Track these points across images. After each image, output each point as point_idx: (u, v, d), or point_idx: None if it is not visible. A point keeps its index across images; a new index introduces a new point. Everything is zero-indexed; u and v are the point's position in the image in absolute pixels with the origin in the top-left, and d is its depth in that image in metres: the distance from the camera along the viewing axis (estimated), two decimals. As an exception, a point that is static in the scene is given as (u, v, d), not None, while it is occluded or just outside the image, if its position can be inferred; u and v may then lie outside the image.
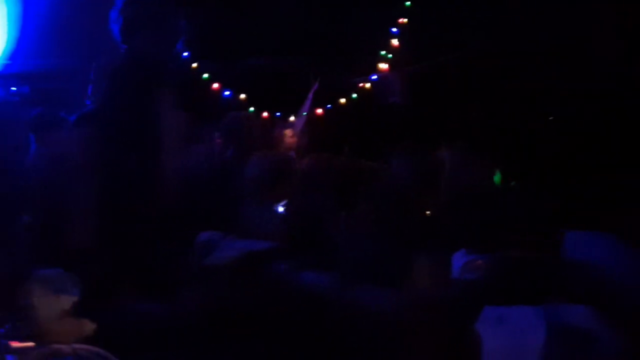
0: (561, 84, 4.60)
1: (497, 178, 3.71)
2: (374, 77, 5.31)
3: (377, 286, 2.54)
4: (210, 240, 3.54)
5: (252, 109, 5.20)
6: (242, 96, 5.15)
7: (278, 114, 5.25)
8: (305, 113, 4.96)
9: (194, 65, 5.00)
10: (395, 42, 5.25)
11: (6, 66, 4.27)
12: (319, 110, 5.19)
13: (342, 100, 5.22)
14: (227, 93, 5.09)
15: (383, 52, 5.29)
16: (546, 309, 2.03)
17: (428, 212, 3.12)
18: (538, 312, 2.02)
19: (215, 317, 2.81)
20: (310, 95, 4.92)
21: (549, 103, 4.69)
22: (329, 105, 5.28)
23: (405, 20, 5.25)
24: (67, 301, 2.50)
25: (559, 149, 4.26)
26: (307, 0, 5.49)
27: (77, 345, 2.18)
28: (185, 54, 4.91)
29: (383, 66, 5.27)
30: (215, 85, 5.06)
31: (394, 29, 5.28)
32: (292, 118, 5.26)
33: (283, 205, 3.69)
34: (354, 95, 5.29)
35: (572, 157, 4.15)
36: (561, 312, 2.05)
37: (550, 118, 4.75)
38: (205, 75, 5.05)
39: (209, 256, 3.28)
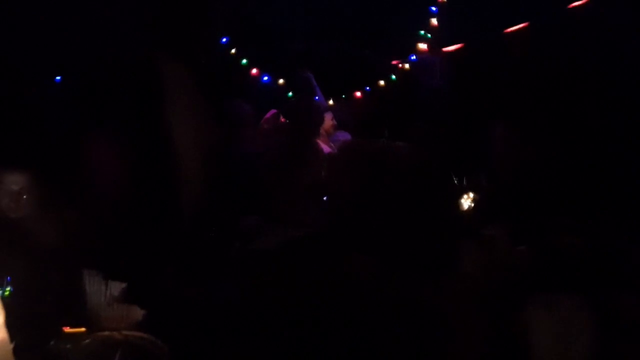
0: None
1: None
2: (413, 57, 5.24)
3: (422, 272, 2.52)
4: (253, 225, 3.58)
5: (290, 93, 5.21)
6: (281, 81, 5.15)
7: (316, 97, 5.23)
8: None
9: (233, 51, 5.02)
10: (434, 21, 5.17)
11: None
12: (358, 93, 5.16)
13: (381, 83, 5.18)
14: (265, 78, 5.09)
15: (422, 32, 5.22)
16: (595, 297, 1.99)
17: (472, 196, 3.08)
18: (587, 300, 1.98)
19: (259, 302, 2.84)
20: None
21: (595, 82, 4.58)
22: (367, 88, 5.24)
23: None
24: (116, 288, 2.56)
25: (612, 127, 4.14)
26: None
27: (127, 332, 2.23)
28: (224, 39, 4.96)
29: (422, 46, 5.20)
30: (254, 71, 5.07)
31: (433, 8, 5.20)
32: (330, 102, 5.24)
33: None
34: (393, 77, 5.23)
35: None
36: (611, 301, 2.01)
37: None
38: (244, 61, 5.07)
39: (253, 241, 3.32)
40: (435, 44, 5.22)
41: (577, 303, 1.96)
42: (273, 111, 4.62)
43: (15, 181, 2.70)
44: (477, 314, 2.14)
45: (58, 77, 4.48)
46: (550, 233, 2.33)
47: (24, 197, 2.70)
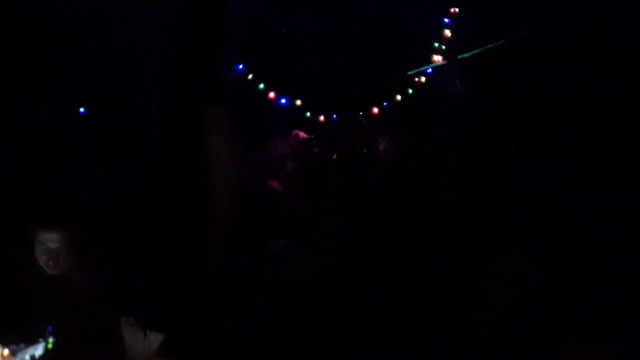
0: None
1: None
2: (429, 70, 5.24)
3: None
4: (283, 249, 3.57)
5: (308, 114, 5.23)
6: (298, 102, 5.17)
7: (334, 116, 5.25)
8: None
9: (250, 76, 5.05)
10: (448, 32, 5.17)
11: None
12: (375, 110, 5.16)
13: (398, 97, 5.17)
14: (283, 101, 5.11)
15: (436, 44, 5.22)
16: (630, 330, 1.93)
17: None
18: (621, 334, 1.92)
19: (295, 327, 2.82)
20: None
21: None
22: (384, 103, 5.24)
23: (457, 9, 5.16)
24: (154, 338, 2.56)
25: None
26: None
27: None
28: (241, 66, 4.98)
29: (437, 58, 5.19)
30: (272, 95, 5.09)
31: (446, 20, 5.20)
32: (351, 117, 5.24)
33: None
34: (410, 91, 5.23)
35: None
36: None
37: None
38: (261, 86, 5.09)
39: (283, 265, 3.31)
40: (450, 54, 5.22)
41: (612, 337, 1.89)
42: (295, 132, 4.64)
43: (53, 239, 2.72)
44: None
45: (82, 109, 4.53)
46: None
47: (62, 255, 2.73)
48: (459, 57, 5.29)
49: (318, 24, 5.48)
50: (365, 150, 4.39)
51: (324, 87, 5.35)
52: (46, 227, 2.72)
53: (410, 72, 5.32)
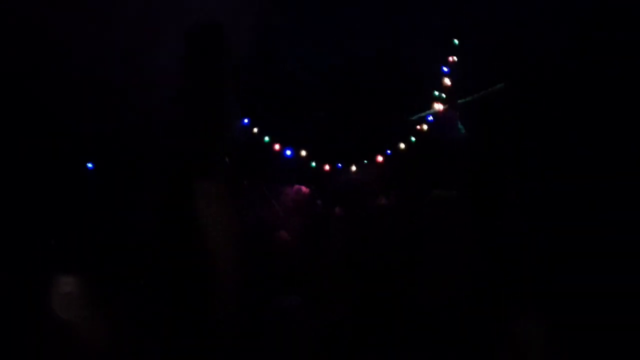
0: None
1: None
2: (430, 117, 5.33)
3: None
4: (293, 305, 3.59)
5: (313, 164, 5.30)
6: (303, 153, 5.25)
7: (339, 165, 5.33)
8: None
9: (255, 130, 5.14)
10: (447, 81, 5.28)
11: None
12: (380, 158, 5.24)
13: (402, 146, 5.26)
14: (288, 153, 5.20)
15: (436, 93, 5.32)
16: None
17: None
18: None
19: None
20: None
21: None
22: (388, 151, 5.32)
23: (455, 58, 5.27)
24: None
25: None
26: (355, 46, 5.59)
27: None
28: (246, 121, 5.08)
29: (438, 106, 5.29)
30: (277, 147, 5.18)
31: (445, 68, 5.31)
32: (353, 168, 5.32)
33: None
34: (412, 139, 5.31)
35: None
36: None
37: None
38: (267, 139, 5.18)
39: (289, 325, 3.33)
40: (451, 100, 5.31)
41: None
42: (297, 187, 4.71)
43: (67, 282, 2.78)
44: None
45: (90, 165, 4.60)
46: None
47: (75, 298, 2.78)
48: (460, 101, 5.39)
49: (319, 73, 5.60)
50: (370, 202, 4.45)
51: (327, 137, 5.44)
52: (60, 269, 2.77)
53: (411, 119, 5.42)
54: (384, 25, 5.49)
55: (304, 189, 4.74)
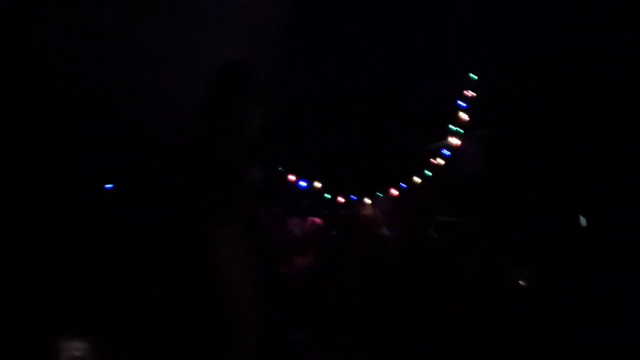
0: None
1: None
2: (446, 151, 5.29)
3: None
4: (300, 340, 3.54)
5: (327, 195, 5.26)
6: (318, 185, 5.22)
7: (354, 197, 5.28)
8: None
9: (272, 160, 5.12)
10: (464, 116, 5.24)
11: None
12: (395, 191, 5.19)
13: (417, 180, 5.21)
14: (303, 184, 5.17)
15: (452, 127, 5.29)
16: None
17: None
18: None
19: None
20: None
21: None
22: (403, 185, 5.27)
23: (472, 93, 5.25)
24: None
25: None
26: (372, 77, 5.59)
27: None
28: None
29: (453, 140, 5.25)
30: (292, 177, 5.15)
31: (461, 103, 5.28)
32: (367, 200, 5.28)
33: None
34: (428, 173, 5.26)
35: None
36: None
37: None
38: (280, 168, 5.16)
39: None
40: (468, 134, 5.28)
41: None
42: (311, 219, 4.67)
43: (77, 348, 2.77)
44: None
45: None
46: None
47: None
48: (477, 134, 5.36)
49: (334, 104, 5.60)
50: (382, 233, 4.40)
51: (342, 169, 5.42)
52: (70, 334, 2.76)
53: (427, 149, 5.39)
54: (397, 55, 5.50)
55: (317, 220, 4.71)
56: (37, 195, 4.00)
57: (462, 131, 5.22)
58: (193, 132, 2.94)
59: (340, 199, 5.25)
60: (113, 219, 4.25)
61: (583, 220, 4.62)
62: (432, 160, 5.25)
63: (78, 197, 4.04)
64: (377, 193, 5.28)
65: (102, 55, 3.88)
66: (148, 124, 4.03)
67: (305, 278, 4.13)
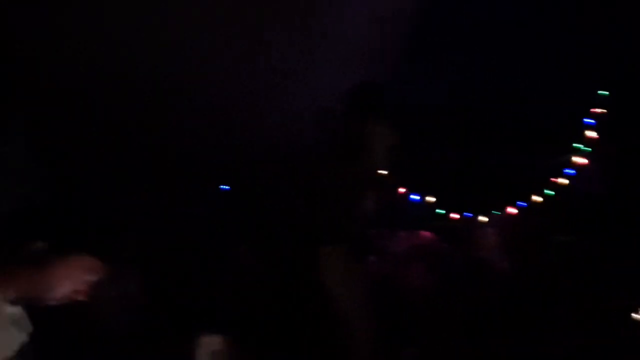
0: None
1: None
2: (570, 171, 5.00)
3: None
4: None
5: (441, 210, 5.12)
6: (430, 199, 5.09)
7: (468, 214, 5.11)
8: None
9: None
10: (592, 134, 4.95)
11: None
12: (514, 210, 4.97)
13: (538, 199, 4.96)
14: (415, 197, 5.06)
15: (577, 145, 5.00)
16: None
17: None
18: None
19: None
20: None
21: None
22: (523, 203, 5.04)
23: (602, 110, 4.95)
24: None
25: None
26: (497, 92, 5.42)
27: None
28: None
29: (579, 160, 4.96)
30: (402, 190, 5.06)
31: (589, 120, 4.99)
32: (481, 218, 5.08)
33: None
34: (550, 192, 5.00)
35: None
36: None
37: None
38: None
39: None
40: (595, 154, 4.99)
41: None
42: (422, 233, 4.55)
43: (215, 342, 2.79)
44: None
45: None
46: None
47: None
48: (605, 154, 5.04)
49: (453, 118, 5.45)
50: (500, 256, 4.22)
51: (457, 184, 5.26)
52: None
53: (549, 169, 5.13)
54: (522, 71, 5.29)
55: (428, 234, 4.58)
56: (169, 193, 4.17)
57: (589, 150, 4.93)
58: (322, 150, 2.97)
59: (454, 215, 5.10)
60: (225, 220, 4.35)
61: None
62: (554, 179, 4.99)
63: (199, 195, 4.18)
64: (493, 211, 5.08)
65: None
66: (276, 136, 4.11)
67: (415, 294, 4.02)
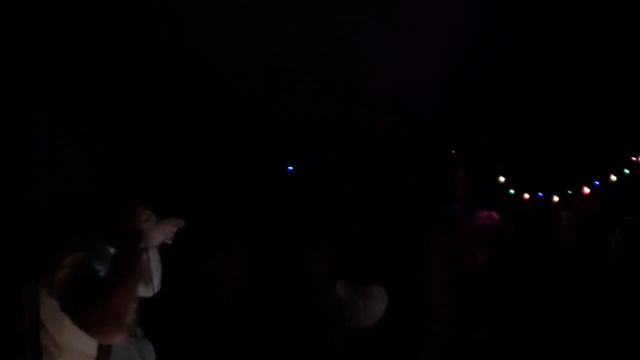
0: None
1: None
2: (649, 149, 4.82)
3: None
4: (483, 338, 3.46)
5: (512, 190, 5.06)
6: (501, 179, 5.04)
7: (540, 194, 5.03)
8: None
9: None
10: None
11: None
12: (587, 189, 4.85)
13: (613, 178, 4.81)
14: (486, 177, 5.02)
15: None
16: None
17: None
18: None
19: None
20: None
21: None
22: (596, 182, 4.90)
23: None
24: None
25: None
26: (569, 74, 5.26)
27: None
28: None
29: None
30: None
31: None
32: (555, 198, 4.99)
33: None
34: (626, 171, 4.84)
35: None
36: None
37: None
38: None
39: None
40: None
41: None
42: (488, 213, 4.53)
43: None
44: None
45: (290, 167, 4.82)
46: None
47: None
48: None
49: (529, 93, 5.34)
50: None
51: (530, 164, 5.17)
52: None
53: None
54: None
55: (494, 214, 4.53)
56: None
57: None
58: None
59: (526, 195, 5.02)
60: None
61: None
62: (633, 158, 4.82)
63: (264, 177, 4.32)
64: (568, 191, 4.98)
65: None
66: (350, 120, 4.18)
67: (484, 273, 4.01)
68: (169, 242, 2.43)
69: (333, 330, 3.03)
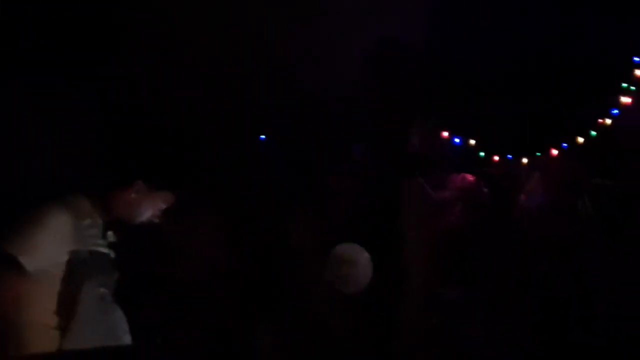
0: None
1: None
2: (615, 111, 4.93)
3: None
4: (456, 299, 3.53)
5: (482, 153, 5.13)
6: (472, 142, 5.09)
7: (509, 156, 5.11)
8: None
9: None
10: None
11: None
12: (554, 151, 4.95)
13: (580, 140, 4.92)
14: (457, 140, 5.07)
15: (625, 85, 4.90)
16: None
17: None
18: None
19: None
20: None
21: None
22: (564, 145, 5.01)
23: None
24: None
25: None
26: (534, 36, 5.31)
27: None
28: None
29: (626, 100, 4.88)
30: (445, 133, 5.06)
31: (638, 58, 4.87)
32: (524, 160, 5.08)
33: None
34: (593, 133, 4.95)
35: None
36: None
37: None
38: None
39: (457, 322, 3.28)
40: (641, 94, 4.88)
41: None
42: (462, 175, 4.59)
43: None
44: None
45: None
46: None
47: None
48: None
49: (493, 60, 5.37)
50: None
51: (499, 126, 5.23)
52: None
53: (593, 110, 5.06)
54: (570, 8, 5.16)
55: (469, 176, 4.61)
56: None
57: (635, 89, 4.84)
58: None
59: (495, 158, 5.10)
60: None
61: None
62: (599, 120, 4.93)
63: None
64: (536, 153, 5.07)
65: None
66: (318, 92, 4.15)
67: (458, 235, 4.09)
68: (156, 219, 2.41)
69: (319, 295, 3.05)
